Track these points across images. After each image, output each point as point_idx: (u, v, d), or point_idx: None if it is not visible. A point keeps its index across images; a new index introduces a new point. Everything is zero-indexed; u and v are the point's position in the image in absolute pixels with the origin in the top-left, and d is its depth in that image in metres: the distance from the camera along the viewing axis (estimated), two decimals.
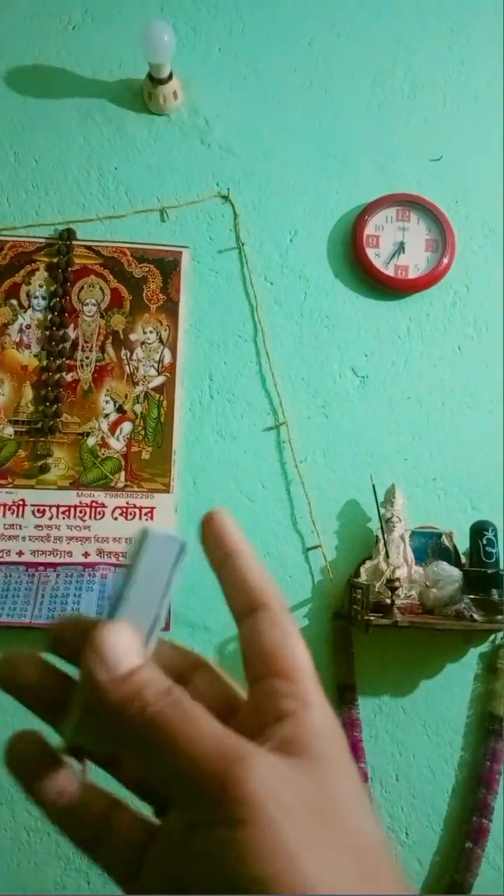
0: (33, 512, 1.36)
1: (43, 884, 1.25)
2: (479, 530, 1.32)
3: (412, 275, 1.44)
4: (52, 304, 1.42)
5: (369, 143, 1.51)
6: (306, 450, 1.40)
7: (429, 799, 1.31)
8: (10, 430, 1.38)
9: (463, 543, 1.35)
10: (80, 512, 1.37)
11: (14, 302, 1.42)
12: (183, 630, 1.30)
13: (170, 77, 1.43)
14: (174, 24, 1.46)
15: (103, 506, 1.37)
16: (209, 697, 0.27)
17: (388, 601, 1.23)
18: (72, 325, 1.42)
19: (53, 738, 0.27)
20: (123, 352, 1.42)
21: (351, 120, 1.51)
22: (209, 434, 1.40)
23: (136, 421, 1.40)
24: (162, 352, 1.42)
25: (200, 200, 1.46)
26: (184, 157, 1.48)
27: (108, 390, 1.41)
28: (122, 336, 1.42)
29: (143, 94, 1.48)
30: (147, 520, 1.37)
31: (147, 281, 1.44)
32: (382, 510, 1.32)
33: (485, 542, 1.30)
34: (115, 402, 1.41)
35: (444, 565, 1.29)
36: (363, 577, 1.31)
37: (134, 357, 1.42)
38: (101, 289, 1.44)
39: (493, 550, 1.30)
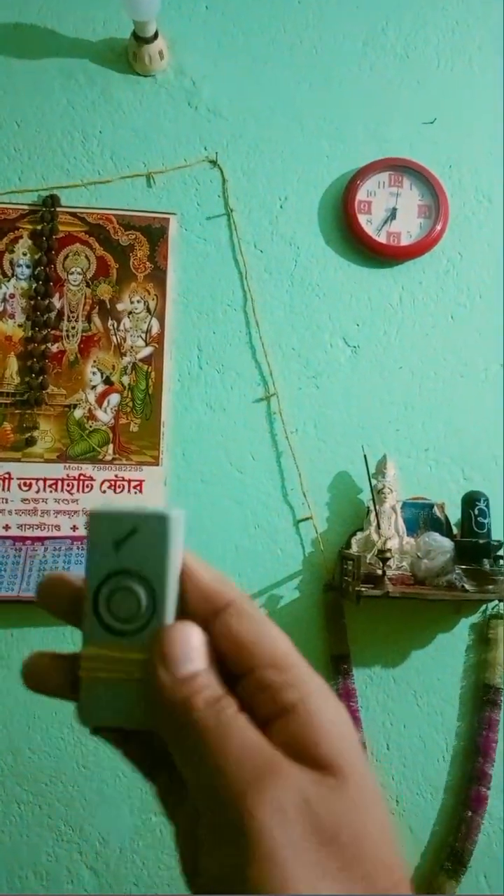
0: (20, 485, 1.34)
1: (36, 856, 1.26)
2: (470, 500, 1.31)
3: (404, 242, 1.41)
4: (36, 272, 1.38)
5: (361, 106, 1.47)
6: (297, 421, 1.38)
7: (420, 767, 1.31)
8: None
9: (455, 514, 1.34)
10: (68, 485, 1.35)
11: None
12: None
13: (155, 36, 1.38)
14: None
15: (91, 479, 1.35)
16: (227, 642, 0.27)
17: (380, 572, 1.22)
18: (57, 295, 1.39)
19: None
20: (110, 322, 1.39)
21: (342, 81, 1.47)
22: (198, 405, 1.37)
23: (124, 392, 1.37)
24: (150, 322, 1.39)
25: (188, 165, 1.42)
26: (171, 120, 1.43)
27: (94, 361, 1.38)
28: (108, 306, 1.39)
29: (128, 55, 1.43)
30: (136, 493, 1.35)
31: (134, 249, 1.40)
32: (374, 481, 1.30)
33: (476, 512, 1.29)
34: (102, 374, 1.38)
35: (436, 536, 1.28)
36: (354, 549, 1.30)
37: (121, 327, 1.39)
38: (86, 257, 1.40)
39: (485, 521, 1.29)
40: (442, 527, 1.33)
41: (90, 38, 1.44)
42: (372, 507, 1.29)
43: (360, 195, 1.41)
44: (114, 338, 1.39)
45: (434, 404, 1.41)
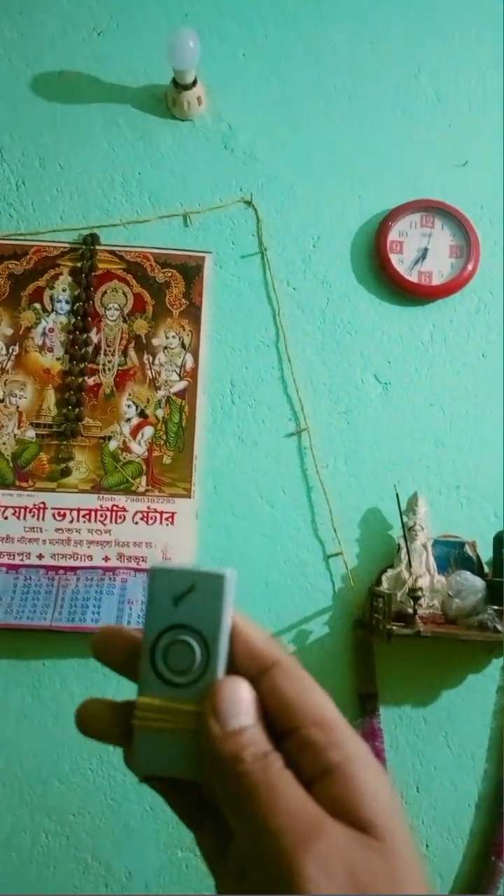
0: (54, 515, 1.37)
1: (62, 888, 1.25)
2: (502, 540, 1.30)
3: (436, 281, 1.43)
4: (75, 308, 1.42)
5: (393, 149, 1.50)
6: (328, 456, 1.39)
7: (450, 812, 1.29)
8: (32, 434, 1.39)
9: (486, 553, 1.33)
10: (101, 516, 1.37)
11: (38, 306, 1.43)
12: None
13: (194, 83, 1.43)
14: (198, 30, 1.46)
15: (124, 510, 1.37)
16: (273, 701, 0.28)
17: (411, 610, 1.22)
18: (94, 330, 1.43)
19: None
20: (146, 356, 1.42)
21: (375, 125, 1.51)
22: (230, 439, 1.39)
23: (158, 425, 1.40)
24: (184, 357, 1.42)
25: (223, 206, 1.46)
26: (207, 162, 1.48)
27: (129, 394, 1.41)
28: (144, 340, 1.43)
29: (167, 100, 1.48)
30: (168, 525, 1.37)
31: (170, 286, 1.44)
32: (405, 518, 1.30)
33: None
34: (136, 407, 1.41)
35: (467, 575, 1.28)
36: (385, 586, 1.30)
37: (156, 362, 1.42)
38: (123, 293, 1.44)
39: None
40: (473, 566, 1.32)
41: (131, 85, 1.50)
42: (403, 545, 1.30)
43: (392, 235, 1.44)
44: (149, 372, 1.42)
45: (465, 442, 1.41)
